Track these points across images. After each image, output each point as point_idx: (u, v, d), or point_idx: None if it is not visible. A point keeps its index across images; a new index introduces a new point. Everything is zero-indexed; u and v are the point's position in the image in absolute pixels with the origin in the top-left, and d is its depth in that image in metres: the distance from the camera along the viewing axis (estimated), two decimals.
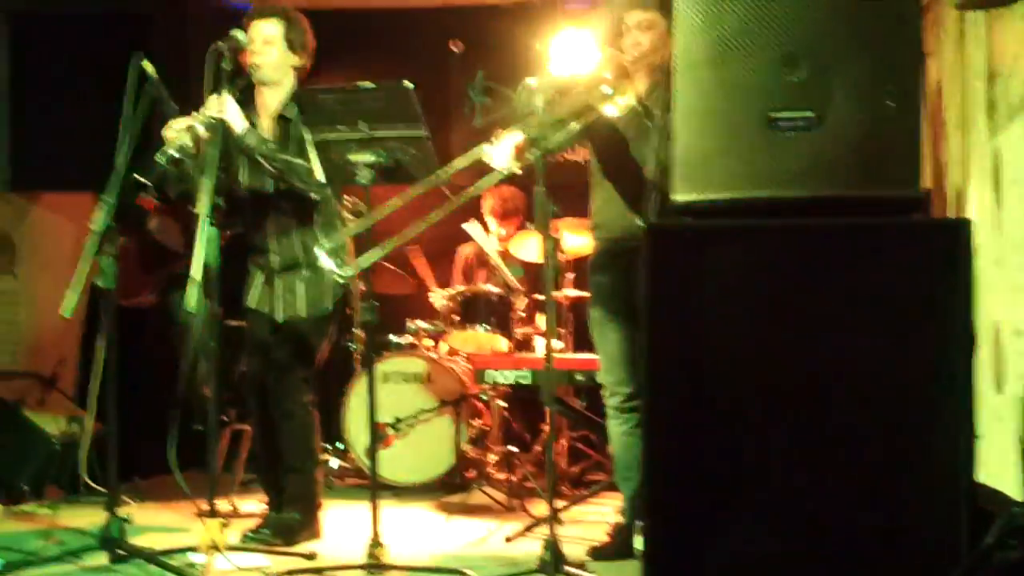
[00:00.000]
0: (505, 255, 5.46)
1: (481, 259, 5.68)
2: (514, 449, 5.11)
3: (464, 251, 5.81)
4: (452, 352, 5.36)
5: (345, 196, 4.23)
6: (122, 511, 3.53)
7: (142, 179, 3.46)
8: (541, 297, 5.47)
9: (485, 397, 5.20)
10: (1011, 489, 2.59)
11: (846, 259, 2.19)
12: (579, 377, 4.71)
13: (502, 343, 5.11)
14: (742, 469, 2.24)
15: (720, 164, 2.24)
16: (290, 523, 3.90)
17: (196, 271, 3.28)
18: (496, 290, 5.20)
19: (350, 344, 5.39)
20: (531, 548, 3.54)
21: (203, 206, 3.32)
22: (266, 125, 3.90)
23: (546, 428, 5.29)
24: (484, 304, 5.21)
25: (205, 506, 3.42)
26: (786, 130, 2.17)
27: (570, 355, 4.95)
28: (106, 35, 6.57)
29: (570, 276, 5.06)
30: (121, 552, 3.44)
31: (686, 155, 2.27)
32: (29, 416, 5.35)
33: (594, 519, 4.41)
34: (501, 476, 5.05)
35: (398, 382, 5.10)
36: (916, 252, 2.14)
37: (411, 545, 3.88)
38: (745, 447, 2.24)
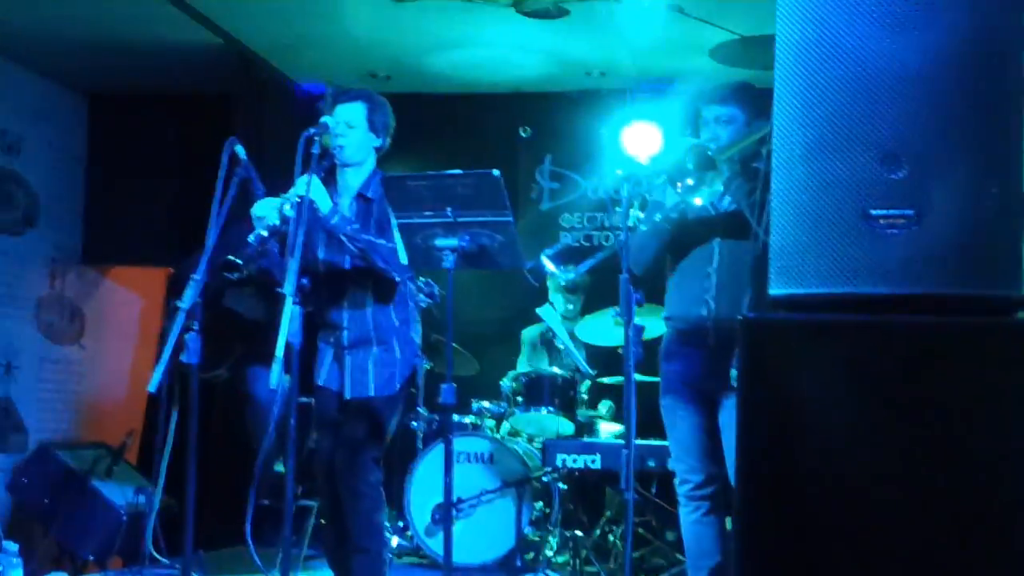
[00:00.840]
0: (572, 338, 5.49)
1: (546, 341, 5.71)
2: (578, 533, 5.08)
3: (530, 333, 5.85)
4: (514, 433, 5.37)
5: (420, 278, 4.30)
6: None
7: (235, 259, 3.54)
8: (604, 380, 5.50)
9: (547, 479, 5.20)
10: None
11: (945, 358, 2.17)
12: (650, 463, 4.69)
13: (567, 426, 5.12)
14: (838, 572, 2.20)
15: (817, 258, 2.23)
16: None
17: (279, 348, 3.33)
18: (561, 372, 5.22)
19: (413, 423, 5.42)
20: None
21: (288, 285, 3.38)
22: (347, 204, 3.99)
23: (606, 512, 5.28)
24: (548, 386, 5.23)
25: None
26: (885, 227, 2.19)
27: (640, 441, 4.94)
28: (182, 115, 6.80)
29: None
30: None
31: (782, 248, 2.28)
32: (97, 486, 5.41)
33: None
34: (561, 559, 5.02)
35: (461, 462, 5.11)
36: (1018, 352, 2.13)
37: None
38: (841, 549, 2.20)
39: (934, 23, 2.19)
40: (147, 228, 6.93)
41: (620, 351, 4.90)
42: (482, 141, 6.47)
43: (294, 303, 3.37)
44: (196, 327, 3.60)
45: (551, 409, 5.17)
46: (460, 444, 5.14)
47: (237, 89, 6.31)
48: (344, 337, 3.98)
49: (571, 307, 5.71)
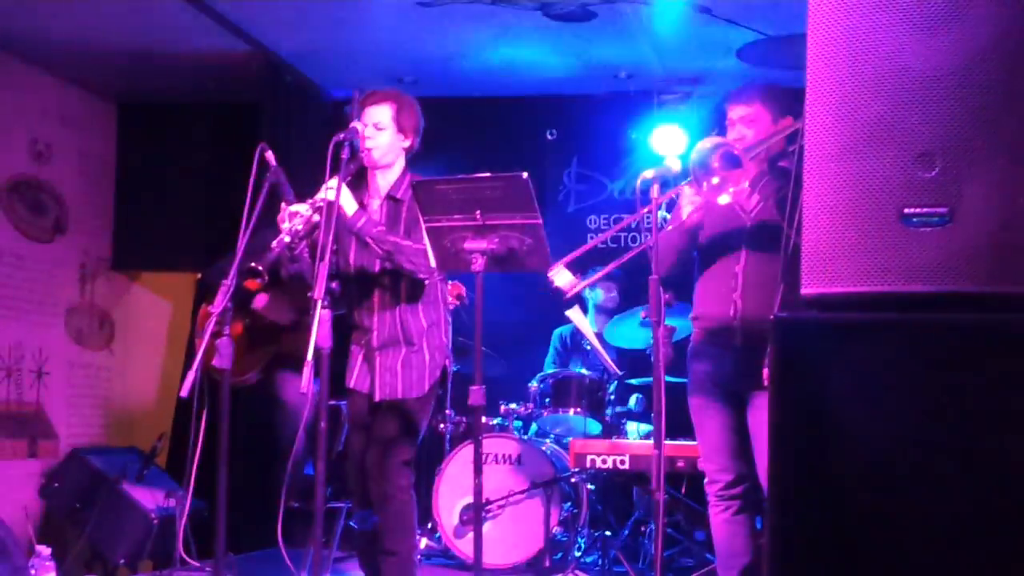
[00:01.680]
0: (600, 339, 5.49)
1: (575, 342, 5.72)
2: (606, 533, 5.08)
3: (558, 333, 5.86)
4: (542, 434, 5.37)
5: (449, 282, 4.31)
6: None
7: (256, 265, 3.56)
8: (631, 381, 5.50)
9: (575, 480, 5.20)
10: None
11: (980, 356, 2.15)
12: (680, 464, 4.69)
13: (595, 426, 5.12)
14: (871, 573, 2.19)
15: (849, 257, 2.23)
16: None
17: (309, 353, 3.35)
18: (589, 373, 5.22)
19: (441, 425, 5.44)
20: None
21: (318, 289, 3.40)
22: (376, 206, 4.00)
23: (635, 512, 5.28)
24: (576, 387, 5.23)
25: None
26: (919, 226, 2.18)
27: (669, 442, 4.94)
28: (210, 123, 6.85)
29: None
30: None
31: (815, 248, 2.27)
32: (128, 490, 5.45)
33: None
34: (589, 560, 5.02)
35: (489, 463, 5.12)
36: None
37: None
38: (873, 549, 2.19)
39: (965, 20, 2.18)
40: (176, 234, 6.98)
41: (648, 352, 4.92)
42: (509, 144, 6.48)
43: (324, 307, 3.39)
44: (227, 332, 3.62)
45: (579, 410, 5.17)
46: (488, 446, 5.15)
47: (265, 96, 6.34)
48: (373, 339, 3.99)
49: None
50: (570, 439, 5.15)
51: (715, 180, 3.38)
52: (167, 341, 7.32)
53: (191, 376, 3.42)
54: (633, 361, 5.53)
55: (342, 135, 3.60)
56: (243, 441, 5.55)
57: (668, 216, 3.79)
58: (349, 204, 3.79)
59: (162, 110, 7.04)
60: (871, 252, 2.22)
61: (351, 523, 4.36)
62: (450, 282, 4.34)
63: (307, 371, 3.32)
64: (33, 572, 4.34)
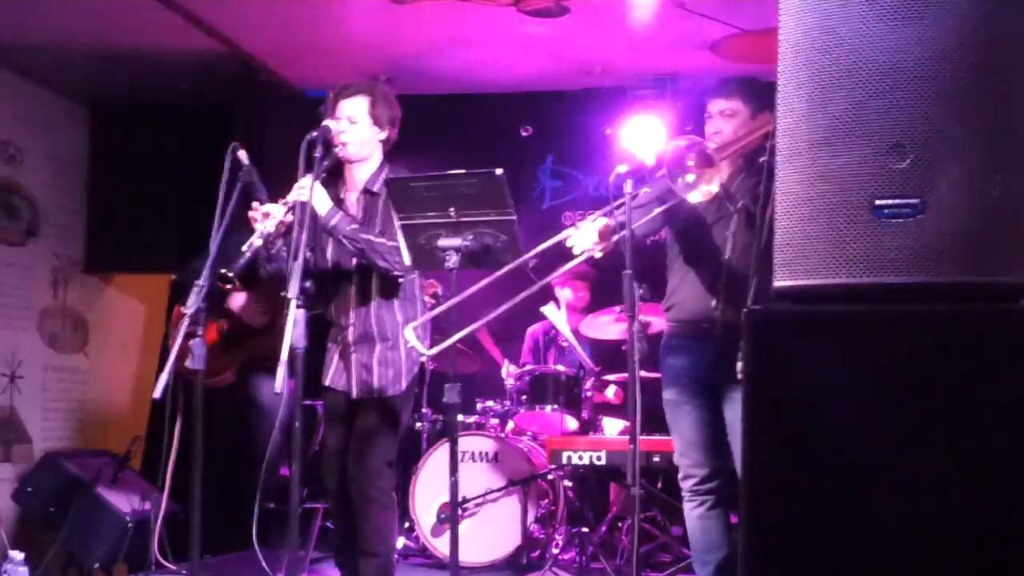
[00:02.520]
0: (576, 334, 5.49)
1: (551, 338, 5.72)
2: (584, 529, 5.08)
3: (534, 330, 5.85)
4: (519, 431, 5.36)
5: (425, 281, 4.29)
6: None
7: (227, 272, 3.55)
8: (609, 378, 5.49)
9: (552, 477, 5.20)
10: None
11: (950, 346, 2.16)
12: (655, 459, 4.69)
13: (571, 422, 5.12)
14: (845, 566, 2.19)
15: (822, 250, 2.24)
16: None
17: (283, 352, 3.33)
18: (565, 369, 5.22)
19: (418, 423, 5.42)
20: None
21: (292, 288, 3.38)
22: (353, 199, 3.98)
23: (612, 508, 5.28)
24: (553, 383, 5.23)
25: None
26: (891, 217, 2.19)
27: (645, 437, 4.94)
28: (183, 124, 6.80)
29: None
30: None
31: (788, 240, 2.28)
32: (102, 494, 5.41)
33: None
34: (567, 556, 5.02)
35: (466, 461, 5.11)
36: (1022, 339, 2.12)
37: None
38: (847, 542, 2.19)
39: (936, 12, 2.19)
40: (149, 236, 6.93)
41: (624, 347, 4.92)
42: (483, 141, 6.47)
43: (298, 306, 3.36)
44: (200, 333, 3.59)
45: (555, 406, 5.17)
46: (465, 443, 5.14)
47: (239, 96, 6.31)
48: (349, 335, 3.96)
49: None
50: (546, 436, 5.15)
51: (689, 178, 3.38)
52: (142, 343, 7.27)
53: (164, 378, 3.39)
54: (611, 354, 5.51)
55: (314, 133, 3.58)
56: (218, 442, 5.49)
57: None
58: (322, 203, 3.76)
59: (135, 111, 6.98)
60: (843, 244, 2.23)
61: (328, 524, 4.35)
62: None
63: (282, 371, 3.29)
64: None
